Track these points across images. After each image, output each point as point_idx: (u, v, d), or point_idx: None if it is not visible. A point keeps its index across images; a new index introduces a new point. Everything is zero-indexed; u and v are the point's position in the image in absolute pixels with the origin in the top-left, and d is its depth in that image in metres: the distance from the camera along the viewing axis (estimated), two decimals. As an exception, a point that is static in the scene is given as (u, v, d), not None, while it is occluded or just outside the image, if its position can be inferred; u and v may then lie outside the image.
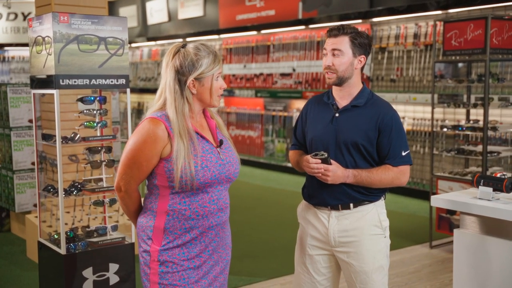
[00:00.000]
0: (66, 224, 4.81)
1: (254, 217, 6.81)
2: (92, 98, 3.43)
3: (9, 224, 6.21)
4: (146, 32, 14.74)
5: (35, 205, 5.65)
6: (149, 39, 13.88)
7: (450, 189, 5.40)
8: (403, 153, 2.70)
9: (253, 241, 5.83)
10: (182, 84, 2.31)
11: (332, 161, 2.64)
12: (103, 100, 3.48)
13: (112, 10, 16.49)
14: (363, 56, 2.73)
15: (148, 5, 14.37)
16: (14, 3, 15.58)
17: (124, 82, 3.43)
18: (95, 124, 3.44)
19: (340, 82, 2.71)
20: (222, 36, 11.67)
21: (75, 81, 3.27)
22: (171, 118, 2.29)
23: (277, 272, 4.83)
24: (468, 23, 5.23)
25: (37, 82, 3.44)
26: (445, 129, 5.67)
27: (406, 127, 8.18)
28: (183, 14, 13.06)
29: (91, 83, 3.33)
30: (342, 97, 2.76)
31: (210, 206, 2.35)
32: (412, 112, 8.19)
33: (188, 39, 12.54)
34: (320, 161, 2.62)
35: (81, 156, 4.19)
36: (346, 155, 2.69)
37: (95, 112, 3.44)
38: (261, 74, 10.75)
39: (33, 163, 5.52)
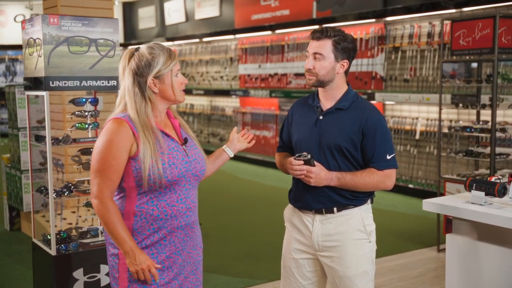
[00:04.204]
0: (70, 223, 4.87)
1: (261, 218, 6.78)
2: (84, 100, 3.43)
3: (19, 223, 6.28)
4: (164, 32, 14.82)
5: (42, 205, 5.70)
6: (168, 39, 13.95)
7: (458, 191, 5.29)
8: (388, 157, 2.64)
9: (257, 242, 5.80)
10: (142, 86, 2.32)
11: (315, 163, 2.60)
12: (95, 102, 3.49)
13: (131, 11, 16.64)
14: (346, 60, 2.67)
15: (166, 5, 14.44)
16: (36, 5, 15.82)
17: (115, 83, 3.44)
18: (86, 126, 3.45)
19: (321, 84, 2.66)
20: (238, 36, 11.67)
21: (65, 83, 3.28)
22: (133, 118, 2.29)
23: (279, 274, 4.77)
24: (476, 22, 5.12)
25: (30, 84, 3.46)
26: (452, 130, 5.55)
27: (420, 127, 8.06)
28: (199, 14, 13.09)
29: (82, 84, 3.34)
30: (327, 99, 2.72)
31: (178, 205, 2.35)
32: (426, 113, 8.06)
33: (205, 39, 12.58)
34: (302, 162, 2.58)
35: (84, 157, 4.21)
36: (330, 159, 2.64)
37: (86, 113, 3.44)
38: (276, 74, 10.72)
39: (41, 164, 5.56)
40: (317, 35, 2.66)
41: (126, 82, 2.34)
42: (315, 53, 2.65)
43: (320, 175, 2.59)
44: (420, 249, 5.53)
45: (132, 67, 2.32)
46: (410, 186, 8.10)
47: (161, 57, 2.32)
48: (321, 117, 2.69)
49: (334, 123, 2.65)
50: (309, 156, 2.58)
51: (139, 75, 2.32)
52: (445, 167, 7.39)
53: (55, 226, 4.82)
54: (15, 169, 5.96)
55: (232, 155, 2.76)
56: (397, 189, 8.13)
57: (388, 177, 2.65)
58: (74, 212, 5.26)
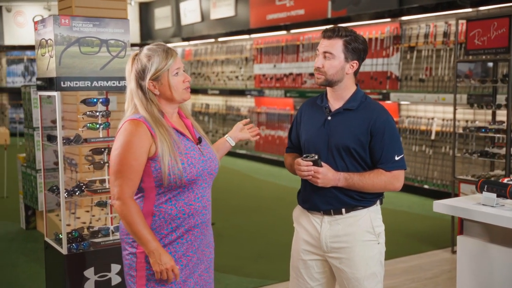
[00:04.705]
0: (84, 223, 4.91)
1: (274, 218, 6.76)
2: (95, 100, 3.46)
3: (35, 222, 6.34)
4: (180, 32, 14.88)
5: (57, 204, 5.75)
6: (183, 39, 14.00)
7: (473, 192, 5.22)
8: (397, 158, 2.61)
9: (270, 242, 5.79)
10: (144, 89, 2.35)
11: (323, 163, 2.59)
12: (106, 102, 3.51)
13: (147, 11, 16.72)
14: (356, 61, 2.64)
15: (182, 5, 14.50)
16: (54, 6, 15.98)
17: (126, 83, 3.45)
18: (97, 126, 3.47)
19: (329, 84, 2.65)
20: (253, 36, 11.67)
21: (76, 83, 3.31)
22: (146, 118, 2.31)
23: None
24: (492, 22, 5.06)
25: (43, 84, 3.50)
26: (467, 131, 5.49)
27: (435, 128, 7.99)
28: (215, 14, 13.12)
29: (93, 85, 3.36)
30: (335, 100, 2.70)
31: (195, 204, 2.37)
32: (442, 113, 7.99)
33: (220, 39, 12.60)
34: (311, 163, 2.57)
35: (97, 157, 4.24)
36: (338, 159, 2.63)
37: (97, 114, 3.47)
38: (291, 74, 10.70)
39: (55, 163, 5.61)
40: (328, 34, 2.65)
41: (131, 85, 2.37)
42: (325, 52, 2.63)
43: (327, 175, 2.57)
44: (434, 250, 5.49)
45: (133, 71, 2.36)
46: (426, 186, 8.03)
47: (156, 58, 2.33)
48: (329, 118, 2.67)
49: (342, 124, 2.64)
50: (316, 157, 2.57)
51: (140, 79, 2.35)
52: (461, 167, 7.32)
53: (69, 225, 4.89)
54: (30, 168, 6.02)
55: (233, 144, 2.79)
56: (412, 189, 8.07)
57: (397, 178, 2.62)
58: (88, 211, 5.29)
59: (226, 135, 2.80)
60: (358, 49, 2.64)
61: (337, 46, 2.62)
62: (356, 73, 2.70)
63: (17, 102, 15.59)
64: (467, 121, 7.37)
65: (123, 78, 3.45)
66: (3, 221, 6.69)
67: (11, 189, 7.99)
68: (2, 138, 13.50)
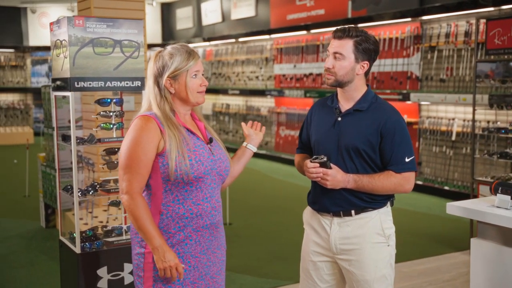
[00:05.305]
0: (101, 222, 4.95)
1: (292, 219, 6.74)
2: (109, 100, 3.48)
3: (55, 220, 6.42)
4: (201, 32, 14.93)
5: (73, 203, 5.78)
6: (204, 40, 14.05)
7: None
8: (407, 159, 2.58)
9: (286, 243, 5.77)
10: (160, 86, 2.37)
11: (332, 165, 2.57)
12: (120, 102, 3.53)
13: (169, 11, 16.81)
14: (367, 62, 2.61)
15: (203, 6, 14.55)
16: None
17: (139, 84, 3.47)
18: (111, 126, 3.50)
19: (339, 84, 2.63)
20: (273, 36, 11.66)
21: (90, 84, 3.34)
22: (158, 115, 2.33)
23: (305, 276, 4.75)
24: (512, 21, 4.98)
25: (58, 84, 3.53)
26: (486, 132, 5.41)
27: (456, 128, 7.89)
28: (236, 15, 13.14)
29: (106, 85, 3.39)
30: (345, 100, 2.68)
31: (203, 204, 2.37)
32: (463, 114, 7.88)
33: (241, 39, 12.61)
34: (318, 165, 2.55)
35: (115, 156, 4.27)
36: (347, 161, 2.60)
37: (111, 114, 3.49)
38: (311, 74, 10.66)
39: (71, 162, 5.65)
40: (339, 34, 2.62)
41: (149, 82, 2.40)
42: (335, 53, 2.61)
43: (336, 177, 2.55)
44: (453, 252, 5.42)
45: (154, 68, 2.38)
46: (446, 188, 7.93)
47: (177, 57, 2.35)
48: (339, 119, 2.65)
49: (352, 125, 2.61)
50: (325, 159, 2.54)
51: (159, 75, 2.37)
52: (482, 169, 7.21)
53: (86, 224, 4.94)
54: (50, 167, 6.10)
55: (255, 150, 2.74)
56: (432, 191, 7.98)
57: (407, 180, 2.59)
58: (105, 210, 5.34)
59: (245, 143, 2.72)
60: (368, 49, 2.61)
61: (347, 46, 2.59)
62: (366, 73, 2.67)
63: (41, 102, 15.82)
64: (488, 121, 7.26)
65: (137, 79, 3.48)
66: (24, 220, 6.80)
67: (32, 188, 8.11)
68: (24, 137, 13.71)
